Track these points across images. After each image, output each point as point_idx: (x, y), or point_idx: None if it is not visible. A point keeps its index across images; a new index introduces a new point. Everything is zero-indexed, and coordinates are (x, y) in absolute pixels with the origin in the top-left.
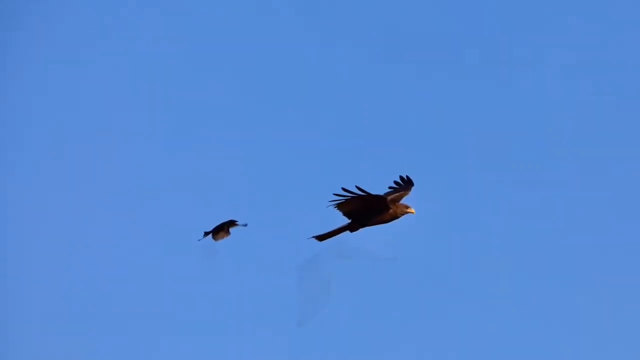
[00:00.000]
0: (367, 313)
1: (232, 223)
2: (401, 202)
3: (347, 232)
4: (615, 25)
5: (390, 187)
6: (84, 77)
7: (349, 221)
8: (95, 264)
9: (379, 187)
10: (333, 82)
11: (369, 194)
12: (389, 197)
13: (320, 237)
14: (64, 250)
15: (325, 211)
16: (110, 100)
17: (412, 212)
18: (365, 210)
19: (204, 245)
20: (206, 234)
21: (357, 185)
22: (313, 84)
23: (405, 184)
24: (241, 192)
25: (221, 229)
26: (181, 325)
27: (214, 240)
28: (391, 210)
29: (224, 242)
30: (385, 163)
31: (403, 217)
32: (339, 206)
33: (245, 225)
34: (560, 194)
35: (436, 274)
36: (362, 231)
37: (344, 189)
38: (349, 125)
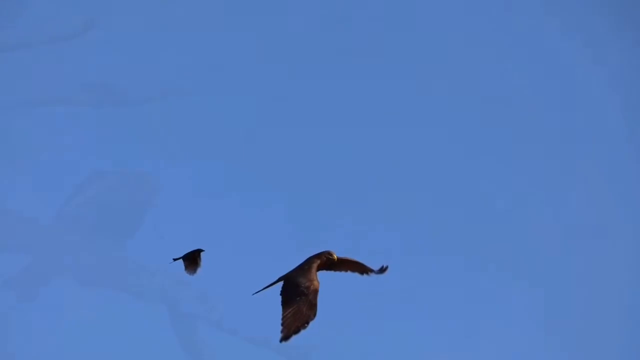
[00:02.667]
0: None
1: (198, 252)
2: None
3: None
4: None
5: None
6: None
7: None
8: None
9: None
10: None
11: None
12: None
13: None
14: None
15: None
16: None
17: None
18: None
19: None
20: (175, 259)
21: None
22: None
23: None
24: None
25: (192, 260)
26: None
27: (188, 273)
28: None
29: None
30: None
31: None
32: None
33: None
34: None
35: None
36: None
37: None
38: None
